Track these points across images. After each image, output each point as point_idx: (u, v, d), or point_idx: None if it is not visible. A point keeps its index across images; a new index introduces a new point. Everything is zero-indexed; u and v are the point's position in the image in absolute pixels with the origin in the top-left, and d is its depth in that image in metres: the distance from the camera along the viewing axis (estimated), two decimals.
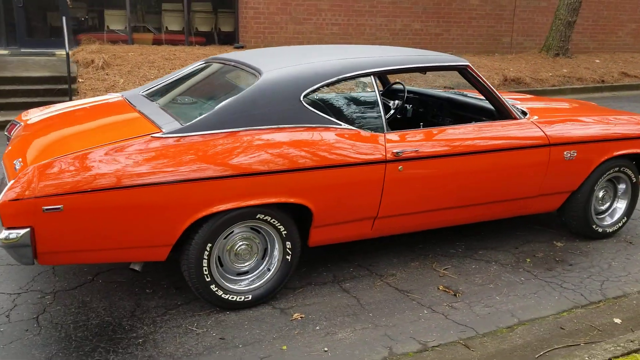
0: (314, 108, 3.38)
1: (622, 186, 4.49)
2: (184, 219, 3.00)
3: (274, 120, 3.24)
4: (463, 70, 3.89)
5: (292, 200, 3.23)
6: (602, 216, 4.53)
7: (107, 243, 2.94)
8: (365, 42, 13.53)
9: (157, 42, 12.76)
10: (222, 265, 3.29)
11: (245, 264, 3.35)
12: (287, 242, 3.34)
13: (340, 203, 3.40)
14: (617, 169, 4.33)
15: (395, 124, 4.26)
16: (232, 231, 3.25)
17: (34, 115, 3.98)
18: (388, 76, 4.95)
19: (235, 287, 3.30)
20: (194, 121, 3.14)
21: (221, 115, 3.17)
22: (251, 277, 3.37)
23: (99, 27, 12.45)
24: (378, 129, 3.54)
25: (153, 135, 3.03)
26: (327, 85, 3.43)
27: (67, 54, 8.80)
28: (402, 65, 3.71)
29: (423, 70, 3.87)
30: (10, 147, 3.45)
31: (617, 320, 3.32)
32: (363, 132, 3.44)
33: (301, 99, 3.32)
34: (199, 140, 3.06)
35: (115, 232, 2.92)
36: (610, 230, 4.49)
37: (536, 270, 3.94)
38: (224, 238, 3.23)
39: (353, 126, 3.45)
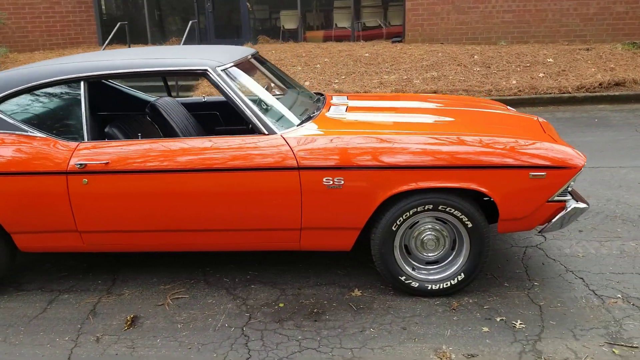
0: (4, 115, 3.41)
1: (462, 231, 3.30)
2: None
3: None
4: (204, 76, 3.39)
5: None
6: (435, 267, 3.39)
7: None
8: (545, 31, 11.66)
9: (327, 38, 13.20)
10: None
11: None
12: None
13: (20, 212, 3.39)
14: (430, 206, 3.20)
15: None
16: None
17: None
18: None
19: None
20: None
21: None
22: None
23: (275, 26, 13.45)
24: (77, 137, 3.39)
25: None
26: (19, 92, 3.43)
27: None
28: (118, 70, 3.42)
29: (154, 75, 3.48)
30: None
31: None
32: (52, 141, 3.35)
33: None
34: None
35: None
36: (436, 287, 3.33)
37: (263, 318, 3.22)
38: None
39: (47, 134, 3.38)
